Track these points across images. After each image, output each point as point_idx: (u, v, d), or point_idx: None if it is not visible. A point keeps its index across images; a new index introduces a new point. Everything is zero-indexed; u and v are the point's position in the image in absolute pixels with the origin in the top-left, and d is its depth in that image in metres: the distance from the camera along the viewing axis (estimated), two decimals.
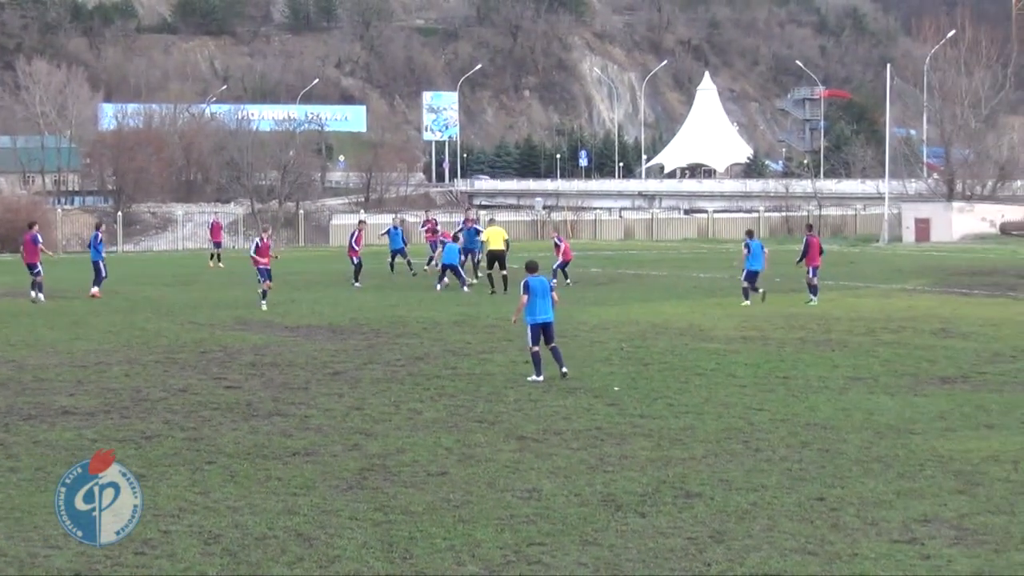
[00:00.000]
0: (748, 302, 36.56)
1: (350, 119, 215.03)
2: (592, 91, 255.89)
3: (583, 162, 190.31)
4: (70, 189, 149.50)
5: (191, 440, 17.31)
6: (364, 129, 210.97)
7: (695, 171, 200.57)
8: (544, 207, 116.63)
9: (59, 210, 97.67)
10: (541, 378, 22.27)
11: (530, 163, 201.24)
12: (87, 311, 35.77)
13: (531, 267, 23.12)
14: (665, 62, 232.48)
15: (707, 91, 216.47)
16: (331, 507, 13.74)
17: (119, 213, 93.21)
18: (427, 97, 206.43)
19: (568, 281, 43.09)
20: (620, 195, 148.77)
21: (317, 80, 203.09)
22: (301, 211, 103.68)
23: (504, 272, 40.77)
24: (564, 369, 22.54)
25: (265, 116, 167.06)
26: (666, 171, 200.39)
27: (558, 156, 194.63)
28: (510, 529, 12.86)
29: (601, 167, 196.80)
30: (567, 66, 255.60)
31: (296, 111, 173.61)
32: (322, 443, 17.07)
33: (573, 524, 13.06)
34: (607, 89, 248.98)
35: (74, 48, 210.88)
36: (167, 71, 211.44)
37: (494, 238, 41.56)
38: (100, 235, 43.12)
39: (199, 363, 25.03)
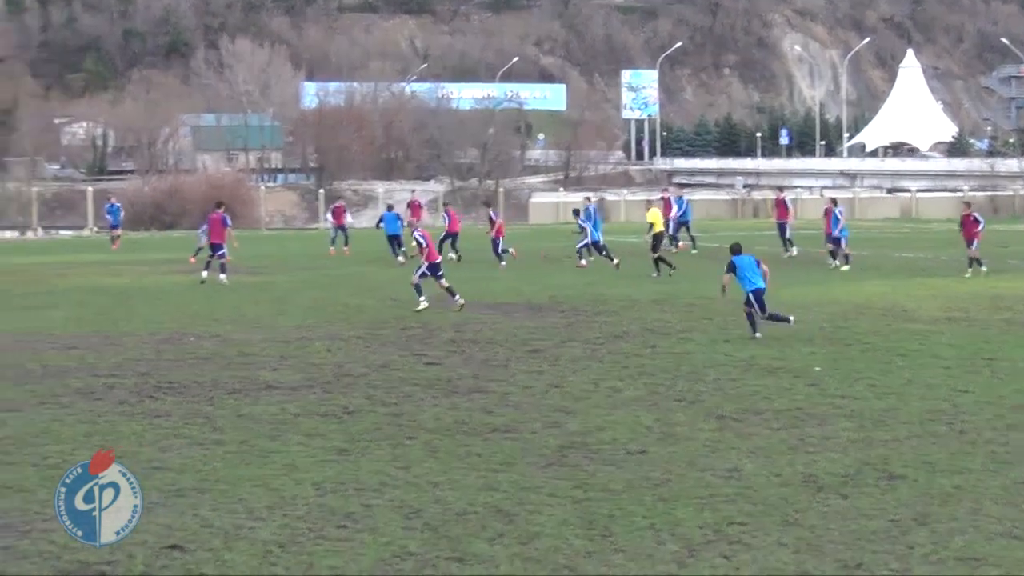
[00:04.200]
0: (836, 263, 41.84)
1: (549, 97, 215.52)
2: (793, 69, 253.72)
3: (784, 140, 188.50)
4: (273, 167, 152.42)
5: (393, 415, 17.52)
6: (563, 107, 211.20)
7: (898, 150, 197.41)
8: (744, 186, 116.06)
9: (262, 187, 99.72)
10: (758, 335, 24.98)
11: (730, 142, 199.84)
12: (290, 287, 36.53)
13: (735, 249, 25.85)
14: (868, 39, 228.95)
15: (910, 68, 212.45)
16: (531, 484, 13.77)
17: (321, 190, 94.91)
18: (626, 75, 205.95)
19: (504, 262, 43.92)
20: (821, 174, 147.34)
21: (517, 58, 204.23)
22: (501, 189, 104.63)
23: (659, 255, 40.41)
24: (790, 318, 25.65)
25: (465, 95, 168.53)
26: (868, 149, 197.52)
27: (758, 135, 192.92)
28: (710, 508, 12.79)
29: (802, 146, 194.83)
30: (767, 44, 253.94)
31: (496, 90, 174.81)
32: (522, 420, 17.15)
33: (774, 504, 12.96)
34: (808, 67, 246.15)
35: (277, 27, 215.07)
36: (368, 50, 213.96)
37: (658, 220, 41.18)
38: (401, 213, 46.30)
39: (400, 339, 25.37)
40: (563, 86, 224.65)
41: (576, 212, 45.90)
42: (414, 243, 31.98)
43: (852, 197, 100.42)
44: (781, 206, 49.80)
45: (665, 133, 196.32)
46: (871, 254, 48.81)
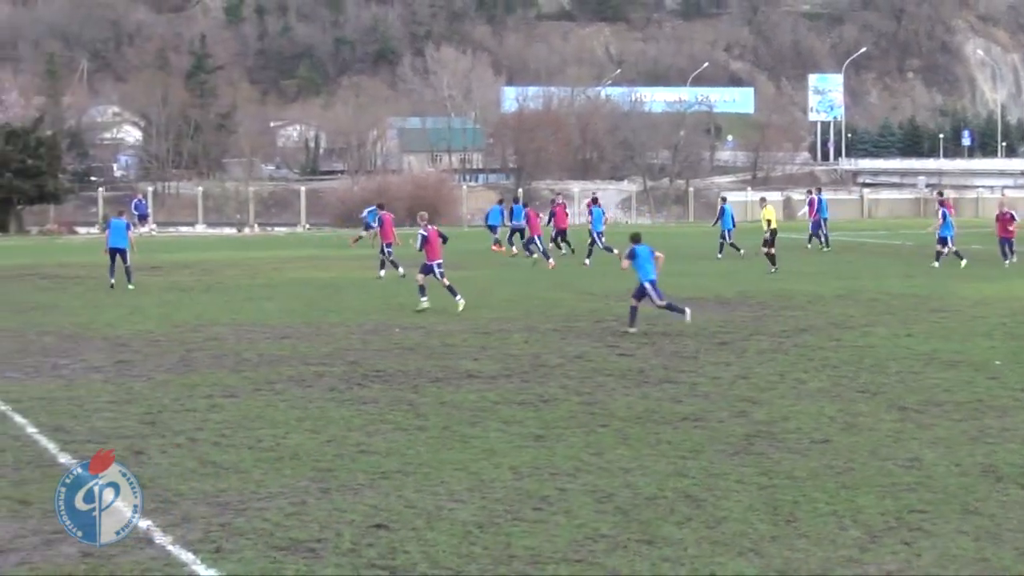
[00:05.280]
0: (937, 264, 41.32)
1: (738, 100, 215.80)
2: (975, 73, 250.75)
3: (966, 142, 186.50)
4: (474, 167, 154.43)
5: (586, 404, 17.91)
6: (751, 110, 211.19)
7: None
8: (927, 185, 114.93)
9: (464, 187, 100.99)
10: (634, 330, 25.32)
11: (913, 143, 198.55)
12: (490, 281, 37.12)
13: (635, 238, 26.71)
14: None
15: None
16: (718, 470, 14.01)
17: (519, 190, 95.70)
18: (813, 79, 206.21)
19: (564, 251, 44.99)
20: (1002, 174, 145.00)
21: (707, 64, 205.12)
22: (691, 189, 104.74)
23: (771, 250, 40.29)
24: (686, 311, 25.75)
25: (657, 98, 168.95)
26: None
27: (941, 136, 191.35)
28: (891, 496, 12.92)
29: (984, 146, 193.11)
30: (951, 49, 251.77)
31: (686, 93, 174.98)
32: (710, 409, 17.44)
33: (954, 493, 13.06)
34: (990, 70, 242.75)
35: (479, 35, 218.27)
36: (565, 56, 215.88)
37: (773, 217, 40.97)
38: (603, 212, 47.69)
39: (594, 332, 25.86)
40: (751, 90, 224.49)
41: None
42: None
43: None
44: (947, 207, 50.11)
45: (850, 135, 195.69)
46: None
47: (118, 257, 36.38)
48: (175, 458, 14.81)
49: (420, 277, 30.12)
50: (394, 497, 13.04)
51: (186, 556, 11.19)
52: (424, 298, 29.77)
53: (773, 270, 39.44)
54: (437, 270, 29.99)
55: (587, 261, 43.90)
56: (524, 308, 30.07)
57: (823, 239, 51.63)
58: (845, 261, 44.84)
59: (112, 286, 35.91)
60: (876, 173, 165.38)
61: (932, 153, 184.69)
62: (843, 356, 22.27)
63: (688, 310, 25.99)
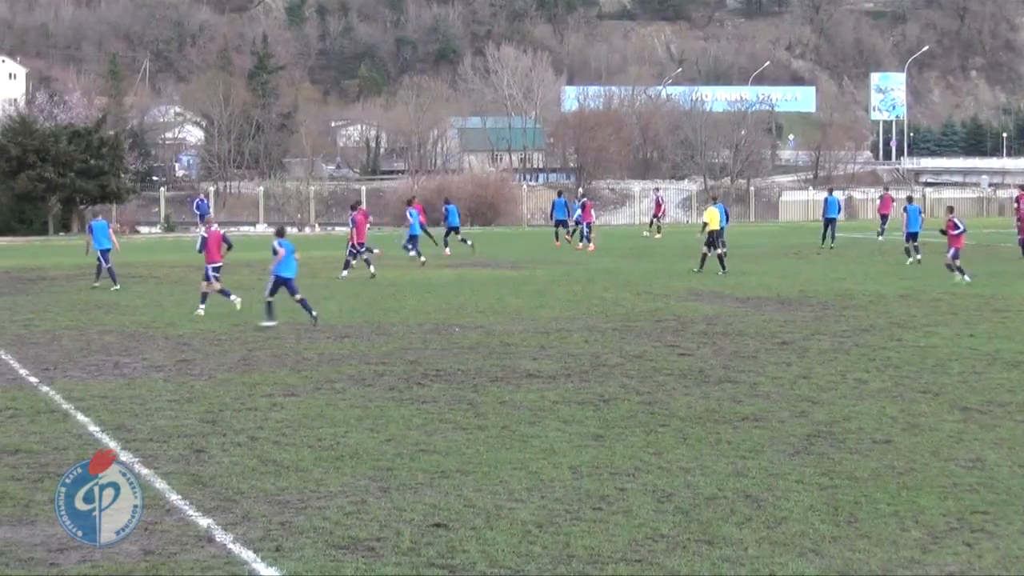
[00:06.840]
0: (911, 259, 42.45)
1: (799, 99, 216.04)
2: None
3: None
4: (534, 166, 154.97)
5: (646, 404, 17.89)
6: (813, 109, 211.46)
7: None
8: (990, 185, 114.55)
9: (524, 186, 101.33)
10: (274, 323, 26.72)
11: (976, 142, 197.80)
12: (550, 281, 37.16)
13: (280, 232, 28.51)
14: None
15: None
16: (778, 471, 13.98)
17: (580, 189, 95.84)
18: (875, 78, 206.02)
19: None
20: None
21: (768, 63, 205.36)
22: (751, 188, 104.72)
23: (720, 251, 39.62)
24: (314, 314, 27.03)
25: (718, 97, 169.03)
26: None
27: (1004, 135, 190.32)
28: (953, 497, 12.86)
29: None
30: (1015, 46, 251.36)
31: (748, 92, 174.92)
32: (770, 409, 17.39)
33: (1017, 494, 12.99)
34: None
35: (539, 34, 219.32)
36: (626, 55, 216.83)
37: (713, 218, 40.37)
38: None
39: (654, 331, 25.79)
40: (813, 88, 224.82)
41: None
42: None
43: None
44: None
45: (912, 134, 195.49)
46: None
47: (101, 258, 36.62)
48: (236, 457, 14.89)
49: (204, 284, 30.06)
50: (453, 496, 13.07)
51: (246, 554, 11.25)
52: (202, 305, 29.68)
53: (723, 272, 38.72)
54: (212, 273, 29.89)
55: (447, 251, 47.01)
56: (584, 308, 30.06)
57: (829, 236, 52.41)
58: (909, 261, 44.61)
59: (95, 287, 36.28)
60: (939, 172, 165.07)
61: (995, 152, 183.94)
62: (905, 356, 22.18)
63: (275, 323, 26.80)
